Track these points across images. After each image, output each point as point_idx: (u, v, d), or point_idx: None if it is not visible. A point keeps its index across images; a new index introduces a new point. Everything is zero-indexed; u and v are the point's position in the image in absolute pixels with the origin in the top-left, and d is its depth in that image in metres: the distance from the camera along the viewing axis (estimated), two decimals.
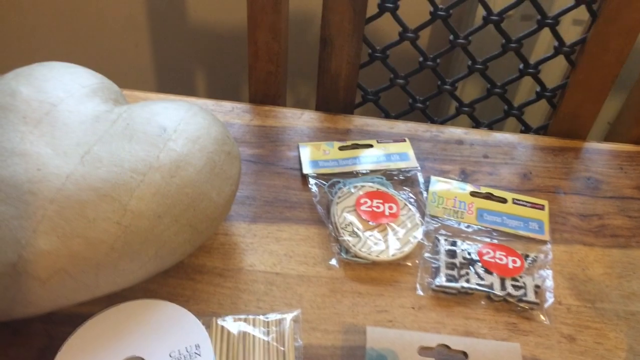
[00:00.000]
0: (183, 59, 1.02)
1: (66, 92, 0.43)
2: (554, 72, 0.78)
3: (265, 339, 0.42)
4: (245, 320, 0.43)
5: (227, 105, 0.61)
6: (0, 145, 0.39)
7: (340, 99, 0.62)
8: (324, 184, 0.53)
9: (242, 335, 0.42)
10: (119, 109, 0.43)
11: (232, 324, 0.43)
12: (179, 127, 0.42)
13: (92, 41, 1.02)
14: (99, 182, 0.38)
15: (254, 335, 0.42)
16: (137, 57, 1.03)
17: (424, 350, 0.40)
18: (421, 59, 0.61)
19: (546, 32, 0.78)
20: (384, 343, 0.40)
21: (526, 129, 0.65)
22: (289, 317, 0.44)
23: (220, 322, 0.43)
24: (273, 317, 0.43)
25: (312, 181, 0.54)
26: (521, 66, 0.60)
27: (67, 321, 0.43)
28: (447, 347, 0.41)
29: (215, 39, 0.98)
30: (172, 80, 1.06)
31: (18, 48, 1.04)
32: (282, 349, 0.42)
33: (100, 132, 0.41)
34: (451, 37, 0.59)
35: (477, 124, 0.65)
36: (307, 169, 0.55)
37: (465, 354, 0.40)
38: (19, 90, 0.42)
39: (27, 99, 0.42)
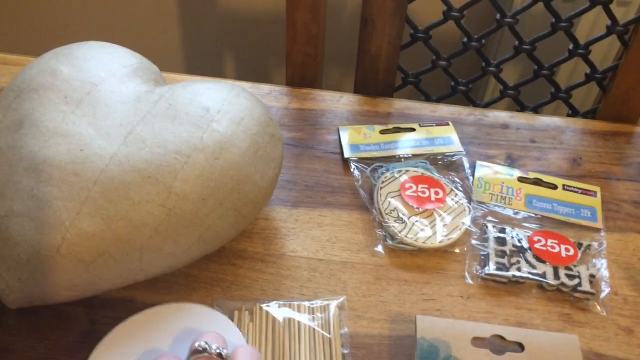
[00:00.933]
0: (211, 43, 1.01)
1: (107, 71, 0.42)
2: (599, 54, 0.75)
3: (311, 324, 0.41)
4: (289, 306, 0.42)
5: (265, 87, 0.60)
6: (42, 125, 0.38)
7: (380, 81, 0.60)
8: (366, 168, 0.52)
9: (287, 321, 0.41)
10: (160, 89, 0.42)
11: (276, 310, 0.42)
12: (223, 108, 0.41)
13: (120, 25, 1.01)
14: (142, 163, 0.37)
15: (299, 322, 0.41)
16: (166, 42, 1.02)
17: (476, 340, 0.39)
18: (465, 39, 0.59)
19: (588, 14, 0.75)
20: (435, 333, 0.38)
21: (573, 113, 0.62)
22: (334, 303, 0.42)
23: (264, 307, 0.42)
24: (318, 303, 0.42)
25: (353, 165, 0.52)
26: (571, 47, 0.57)
27: (108, 305, 0.42)
28: (502, 337, 0.39)
29: (244, 23, 0.96)
30: (201, 65, 1.05)
31: (46, 30, 1.04)
32: (328, 336, 0.40)
33: (142, 112, 0.40)
34: (498, 15, 0.57)
35: (521, 108, 0.63)
36: (348, 153, 0.53)
37: (521, 345, 0.38)
38: (60, 70, 0.41)
39: (67, 79, 0.41)
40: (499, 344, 0.39)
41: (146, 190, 0.37)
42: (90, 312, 0.42)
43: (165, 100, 0.41)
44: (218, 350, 0.33)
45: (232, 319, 0.40)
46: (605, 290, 0.45)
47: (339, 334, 0.41)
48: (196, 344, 0.33)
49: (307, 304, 0.42)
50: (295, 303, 0.42)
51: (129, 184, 0.37)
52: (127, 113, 0.40)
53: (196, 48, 1.03)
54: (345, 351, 0.40)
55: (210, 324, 0.38)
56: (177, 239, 0.38)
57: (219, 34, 0.99)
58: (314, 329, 0.41)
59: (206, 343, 0.33)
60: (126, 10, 0.99)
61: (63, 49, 0.44)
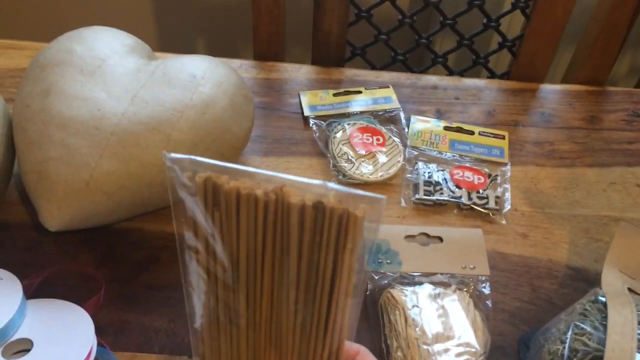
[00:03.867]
0: (184, 27, 1.11)
1: (111, 49, 0.53)
2: (516, 25, 0.88)
3: None
4: None
5: (236, 62, 0.71)
6: (66, 92, 0.49)
7: (332, 54, 0.72)
8: (322, 124, 0.64)
9: None
10: (155, 62, 0.53)
11: None
12: (206, 75, 0.52)
13: (95, 5, 1.10)
14: (147, 118, 0.49)
15: None
16: (138, 23, 1.11)
17: (408, 238, 0.51)
18: (400, 17, 0.71)
19: None
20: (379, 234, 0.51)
21: (492, 76, 0.75)
22: None
23: None
24: None
25: (312, 122, 0.64)
26: (485, 20, 0.70)
27: (122, 233, 0.54)
28: (427, 234, 0.52)
29: (214, 8, 1.06)
30: (173, 45, 1.15)
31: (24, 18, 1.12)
32: None
33: (143, 80, 0.51)
34: None
35: (450, 73, 0.76)
36: (307, 112, 0.65)
37: (440, 239, 0.51)
38: (74, 48, 0.52)
39: (81, 55, 0.52)
40: (425, 239, 0.52)
41: (151, 138, 0.48)
42: (109, 238, 0.53)
43: (160, 70, 0.52)
44: None
45: None
46: (507, 207, 0.58)
47: None
48: None
49: None
50: None
51: (137, 134, 0.48)
52: (131, 81, 0.51)
53: (168, 29, 1.12)
54: None
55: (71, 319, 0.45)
56: None
57: (191, 19, 1.09)
58: None
59: None
60: None
61: (74, 33, 0.55)
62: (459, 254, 0.51)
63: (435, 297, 0.46)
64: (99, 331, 0.46)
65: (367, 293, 0.48)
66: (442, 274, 0.49)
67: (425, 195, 0.58)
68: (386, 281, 0.48)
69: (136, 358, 0.46)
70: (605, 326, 0.42)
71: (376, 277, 0.49)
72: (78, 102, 0.49)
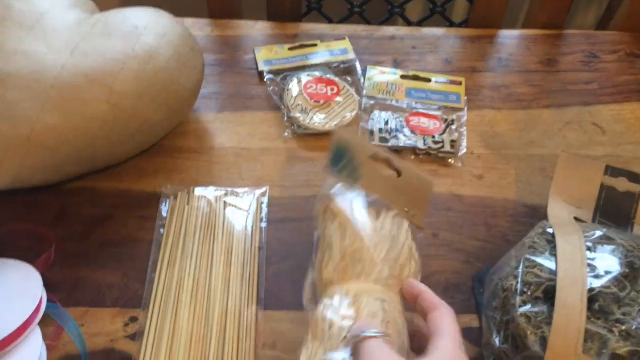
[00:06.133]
0: None
1: (51, 3, 0.52)
2: None
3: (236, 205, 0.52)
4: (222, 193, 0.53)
5: (189, 20, 0.70)
6: (4, 47, 0.48)
7: (287, 9, 0.71)
8: (277, 77, 0.63)
9: (219, 198, 0.52)
10: (97, 15, 0.52)
11: (210, 193, 0.53)
12: (148, 25, 0.51)
13: None
14: (87, 70, 0.48)
15: (225, 201, 0.52)
16: None
17: (374, 158, 0.48)
18: None
19: None
20: (348, 143, 0.46)
21: (451, 25, 0.75)
22: (257, 192, 0.54)
23: (199, 190, 0.53)
24: (244, 190, 0.53)
25: (266, 76, 0.63)
26: None
27: (75, 193, 0.53)
28: (389, 162, 0.49)
29: None
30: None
31: None
32: (245, 210, 0.52)
33: (83, 33, 0.50)
34: None
35: (409, 24, 0.75)
36: (262, 67, 0.64)
37: (399, 172, 0.49)
38: (12, 3, 0.50)
39: (19, 10, 0.50)
40: (386, 166, 0.48)
41: (93, 90, 0.48)
42: (61, 198, 0.53)
43: (101, 22, 0.51)
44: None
45: (175, 201, 0.52)
46: (463, 150, 0.58)
47: (259, 217, 0.52)
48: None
49: (238, 190, 0.53)
50: (226, 190, 0.53)
51: (78, 86, 0.47)
52: (70, 34, 0.50)
53: None
54: (263, 225, 0.52)
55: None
56: (122, 129, 0.49)
57: None
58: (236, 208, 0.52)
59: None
60: None
61: None
62: (408, 195, 0.49)
63: (376, 213, 0.44)
64: (52, 288, 0.46)
65: (319, 195, 0.46)
66: (388, 203, 0.47)
67: (380, 142, 0.57)
68: (334, 190, 0.45)
69: (88, 312, 0.46)
70: (555, 256, 0.42)
71: (330, 183, 0.46)
72: (17, 57, 0.47)
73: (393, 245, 0.42)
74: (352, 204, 0.44)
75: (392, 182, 0.49)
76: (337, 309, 0.38)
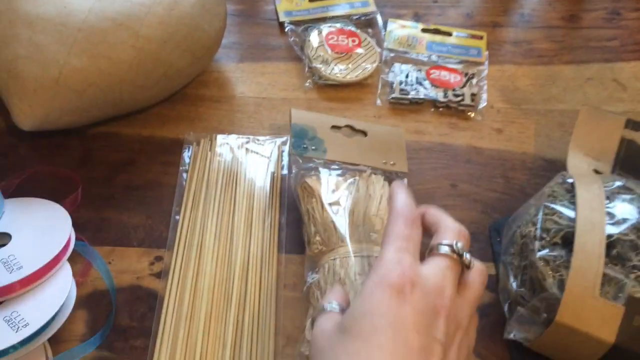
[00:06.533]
0: None
1: None
2: None
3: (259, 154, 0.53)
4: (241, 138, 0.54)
5: None
6: None
7: None
8: (298, 28, 0.63)
9: (242, 146, 0.53)
10: None
11: (232, 140, 0.53)
12: None
13: None
14: (114, 13, 0.48)
15: (247, 148, 0.53)
16: None
17: (334, 128, 0.51)
18: None
19: None
20: (304, 121, 0.50)
21: None
22: (279, 141, 0.54)
23: (221, 138, 0.53)
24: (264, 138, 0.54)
25: (287, 27, 0.63)
26: None
27: (99, 137, 0.54)
28: (352, 127, 0.52)
29: None
30: None
31: None
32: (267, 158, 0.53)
33: None
34: None
35: None
36: (282, 18, 0.64)
37: (365, 133, 0.51)
38: None
39: None
40: (349, 132, 0.52)
41: (119, 34, 0.48)
42: (85, 142, 0.54)
43: None
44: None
45: (198, 148, 0.53)
46: (483, 104, 0.58)
47: (280, 165, 0.53)
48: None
49: (259, 138, 0.54)
50: (248, 138, 0.54)
51: (105, 30, 0.48)
52: None
53: None
54: (284, 172, 0.53)
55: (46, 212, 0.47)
56: (147, 74, 0.50)
57: None
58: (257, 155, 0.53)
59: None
60: None
61: None
62: (380, 150, 0.51)
63: (351, 182, 0.47)
64: (78, 228, 0.47)
65: (293, 174, 0.49)
66: (365, 165, 0.49)
67: (401, 94, 0.58)
68: (311, 164, 0.49)
69: (115, 251, 0.47)
70: (574, 204, 0.42)
71: (301, 161, 0.49)
72: (44, 0, 0.48)
73: (370, 203, 0.46)
74: (326, 177, 0.47)
75: (361, 143, 0.51)
76: (327, 277, 0.42)
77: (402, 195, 0.35)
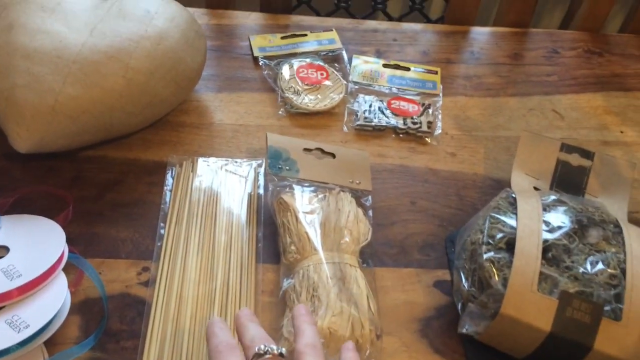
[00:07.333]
0: None
1: None
2: None
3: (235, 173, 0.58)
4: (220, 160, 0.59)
5: (188, 10, 0.75)
6: (28, 26, 0.53)
7: (279, 1, 0.77)
8: (271, 62, 0.69)
9: (221, 167, 0.58)
10: (111, 0, 0.57)
11: (212, 162, 0.58)
12: (159, 10, 0.57)
13: None
14: (106, 48, 0.53)
15: (226, 169, 0.58)
16: None
17: (306, 151, 0.57)
18: None
19: None
20: (279, 144, 0.56)
21: (428, 21, 0.82)
22: (255, 163, 0.59)
23: (202, 160, 0.58)
24: (244, 161, 0.59)
25: (262, 61, 0.69)
26: None
27: (88, 161, 0.58)
28: (322, 150, 0.58)
29: None
30: None
31: None
32: (244, 176, 0.58)
33: (100, 15, 0.55)
34: None
35: (389, 19, 0.82)
36: (257, 53, 0.70)
37: (333, 155, 0.57)
38: None
39: None
40: (320, 154, 0.58)
41: (111, 66, 0.53)
42: (76, 165, 0.58)
43: (116, 7, 0.56)
44: (280, 351, 0.37)
45: (180, 169, 0.57)
46: (438, 131, 0.65)
47: (257, 184, 0.58)
48: (256, 349, 0.37)
49: (237, 160, 0.59)
50: (227, 160, 0.59)
51: (98, 62, 0.53)
52: (89, 16, 0.55)
53: None
54: (260, 191, 0.58)
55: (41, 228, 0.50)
56: (135, 102, 0.55)
57: None
58: (236, 175, 0.58)
59: (266, 346, 0.37)
60: None
61: None
62: (348, 170, 0.57)
63: (322, 197, 0.53)
64: (70, 242, 0.51)
65: (269, 191, 0.54)
66: (334, 184, 0.55)
67: (365, 122, 0.64)
68: (285, 182, 0.54)
69: (105, 263, 0.51)
70: (516, 214, 0.49)
71: (276, 180, 0.55)
72: (41, 35, 0.53)
73: (339, 216, 0.52)
74: (300, 193, 0.53)
75: (330, 164, 0.57)
76: (302, 282, 0.48)
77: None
